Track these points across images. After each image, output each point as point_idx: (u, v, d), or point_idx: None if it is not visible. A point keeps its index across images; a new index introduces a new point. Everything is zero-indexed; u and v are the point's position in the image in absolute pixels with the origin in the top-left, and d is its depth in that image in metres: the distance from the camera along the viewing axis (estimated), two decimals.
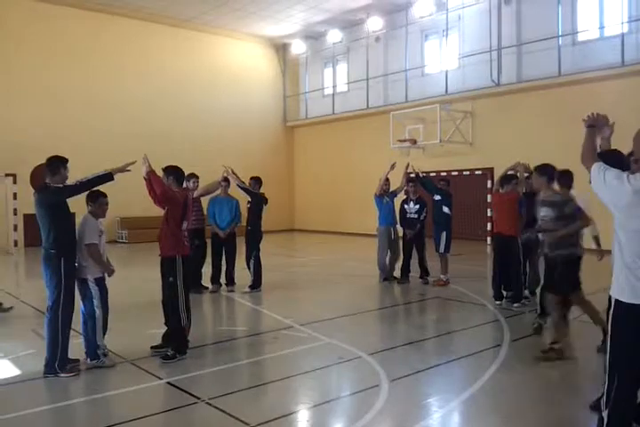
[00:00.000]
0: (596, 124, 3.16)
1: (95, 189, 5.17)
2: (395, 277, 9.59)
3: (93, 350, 5.08)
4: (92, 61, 17.38)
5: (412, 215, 9.48)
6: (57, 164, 4.90)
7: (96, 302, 5.08)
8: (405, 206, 9.59)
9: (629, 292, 2.91)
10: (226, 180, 8.72)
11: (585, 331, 6.13)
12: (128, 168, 5.13)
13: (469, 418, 4.14)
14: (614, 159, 3.25)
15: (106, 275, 5.20)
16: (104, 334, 5.15)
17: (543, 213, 5.63)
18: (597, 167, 3.01)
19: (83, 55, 17.23)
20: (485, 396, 4.45)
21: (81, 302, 5.14)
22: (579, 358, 5.54)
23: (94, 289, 5.09)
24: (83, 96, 17.14)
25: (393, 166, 9.46)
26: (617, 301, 2.97)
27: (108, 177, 5.01)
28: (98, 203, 5.19)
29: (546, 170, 5.74)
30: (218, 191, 8.68)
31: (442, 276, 9.33)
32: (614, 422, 2.97)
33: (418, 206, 9.46)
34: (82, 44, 17.23)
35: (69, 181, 4.95)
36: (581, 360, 5.45)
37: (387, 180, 9.63)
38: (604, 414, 3.00)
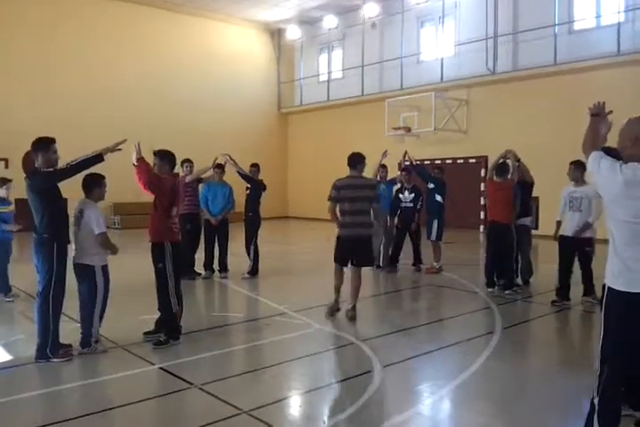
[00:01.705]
0: (600, 113, 3.15)
1: (95, 172, 5.13)
2: (378, 266, 9.54)
3: (86, 337, 5.06)
4: (86, 46, 17.19)
5: (407, 204, 9.46)
6: (42, 144, 4.81)
7: (100, 289, 5.07)
8: (400, 195, 9.57)
9: (620, 280, 2.93)
10: (219, 166, 8.69)
11: (584, 320, 6.17)
12: (118, 147, 5.06)
13: (461, 404, 4.16)
14: (610, 156, 3.26)
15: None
16: (100, 321, 5.14)
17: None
18: (595, 155, 3.03)
19: (76, 40, 17.03)
20: (477, 382, 4.48)
21: (79, 288, 5.13)
22: (574, 346, 5.57)
23: (100, 277, 5.08)
24: (76, 81, 16.96)
25: (385, 154, 9.38)
26: (609, 288, 3.01)
27: (98, 158, 4.93)
28: (101, 186, 5.17)
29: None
30: (209, 173, 8.64)
31: (434, 263, 9.35)
32: (604, 409, 2.99)
33: (413, 195, 9.44)
34: (75, 29, 17.02)
35: (59, 165, 4.88)
36: (576, 348, 5.48)
37: (384, 167, 9.60)
38: (595, 400, 3.03)
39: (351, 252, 6.34)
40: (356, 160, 6.39)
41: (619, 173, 2.86)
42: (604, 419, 2.99)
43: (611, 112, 3.26)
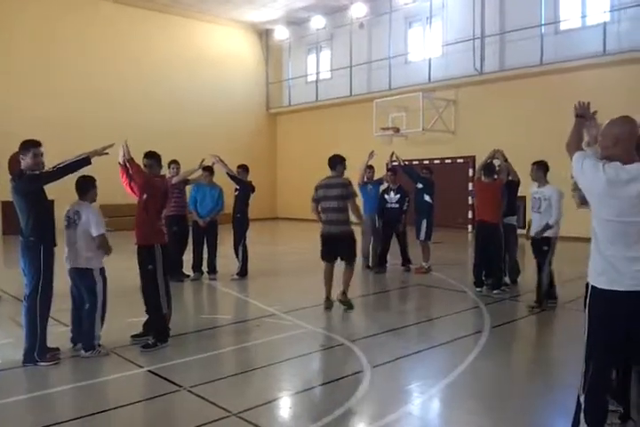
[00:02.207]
0: (585, 115, 3.19)
1: (86, 174, 5.10)
2: (368, 267, 9.61)
3: (89, 340, 5.02)
4: (75, 48, 17.07)
5: (393, 205, 9.45)
6: (28, 147, 4.76)
7: (99, 292, 5.05)
8: (386, 196, 9.56)
9: (603, 278, 2.96)
10: (207, 169, 8.67)
11: (572, 318, 6.19)
12: (106, 151, 5.04)
13: (450, 403, 4.18)
14: None
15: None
16: (102, 324, 5.11)
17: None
18: (579, 155, 3.08)
19: (66, 42, 16.92)
20: (466, 381, 4.50)
21: (76, 292, 5.14)
22: (561, 344, 5.61)
23: (99, 280, 5.07)
24: (65, 82, 16.85)
25: (372, 155, 9.40)
26: (592, 287, 3.03)
27: (85, 161, 4.90)
28: (95, 187, 5.16)
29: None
30: (196, 175, 8.60)
31: (423, 263, 9.38)
32: (591, 406, 3.02)
33: (398, 196, 9.43)
34: (63, 29, 16.89)
35: (46, 167, 4.84)
36: (563, 346, 5.51)
37: (371, 167, 9.63)
38: (582, 398, 3.05)
39: (333, 247, 6.73)
40: (335, 161, 6.86)
41: (602, 172, 2.90)
42: (590, 416, 3.01)
43: (595, 112, 3.30)
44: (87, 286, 5.04)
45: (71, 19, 17.06)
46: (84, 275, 5.04)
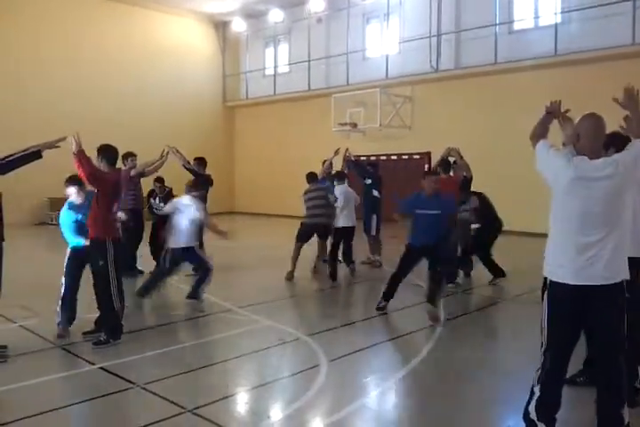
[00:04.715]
0: (554, 111, 3.27)
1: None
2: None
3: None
4: (24, 34, 16.38)
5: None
6: None
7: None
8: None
9: (560, 272, 3.02)
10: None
11: (527, 310, 6.32)
12: (57, 144, 4.89)
13: (406, 395, 4.25)
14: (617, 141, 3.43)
15: None
16: None
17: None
18: (543, 143, 3.15)
19: (16, 28, 16.22)
20: (422, 374, 4.58)
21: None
22: (515, 336, 5.73)
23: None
24: (11, 70, 16.17)
25: (337, 152, 9.55)
26: (549, 280, 3.09)
27: (35, 155, 4.75)
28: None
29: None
30: (153, 167, 8.44)
31: (376, 257, 9.45)
32: (543, 397, 3.09)
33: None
34: (15, 17, 16.20)
35: None
36: (518, 338, 5.62)
37: (330, 164, 9.68)
38: (536, 388, 3.13)
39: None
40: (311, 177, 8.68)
41: (571, 165, 2.98)
42: (543, 406, 3.08)
43: (568, 111, 3.38)
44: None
45: (23, 6, 16.38)
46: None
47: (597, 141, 3.05)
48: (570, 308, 3.04)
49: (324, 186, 8.73)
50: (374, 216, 9.36)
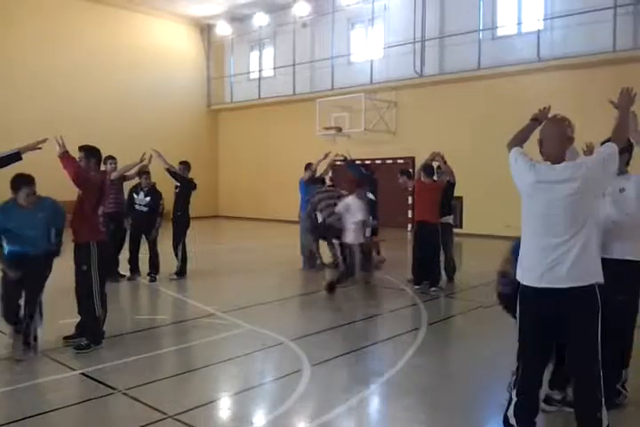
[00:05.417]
0: (540, 119, 3.27)
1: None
2: (324, 264, 9.68)
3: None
4: (7, 37, 16.21)
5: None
6: None
7: None
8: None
9: (526, 274, 3.03)
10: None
11: (507, 315, 6.35)
12: (39, 146, 4.83)
13: (388, 399, 4.24)
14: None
15: None
16: None
17: None
18: (515, 150, 3.18)
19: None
20: (405, 377, 4.58)
21: None
22: (496, 341, 5.75)
23: None
24: None
25: (327, 155, 9.63)
26: (521, 284, 3.08)
27: (16, 156, 4.69)
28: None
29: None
30: (134, 171, 8.37)
31: (378, 256, 9.52)
32: (520, 402, 3.10)
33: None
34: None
35: None
36: (499, 342, 5.65)
37: (317, 166, 9.81)
38: (513, 393, 3.14)
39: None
40: None
41: (532, 170, 3.02)
42: (520, 411, 3.09)
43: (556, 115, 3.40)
44: None
45: (6, 9, 16.18)
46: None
47: (557, 145, 3.06)
48: (538, 312, 3.00)
49: (332, 188, 9.31)
50: (370, 218, 9.39)
